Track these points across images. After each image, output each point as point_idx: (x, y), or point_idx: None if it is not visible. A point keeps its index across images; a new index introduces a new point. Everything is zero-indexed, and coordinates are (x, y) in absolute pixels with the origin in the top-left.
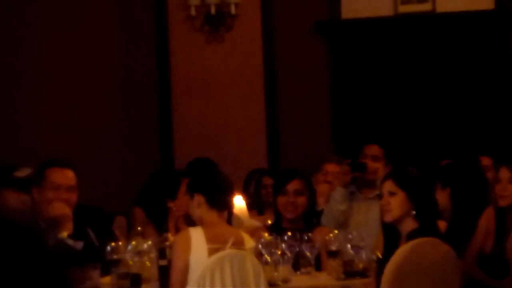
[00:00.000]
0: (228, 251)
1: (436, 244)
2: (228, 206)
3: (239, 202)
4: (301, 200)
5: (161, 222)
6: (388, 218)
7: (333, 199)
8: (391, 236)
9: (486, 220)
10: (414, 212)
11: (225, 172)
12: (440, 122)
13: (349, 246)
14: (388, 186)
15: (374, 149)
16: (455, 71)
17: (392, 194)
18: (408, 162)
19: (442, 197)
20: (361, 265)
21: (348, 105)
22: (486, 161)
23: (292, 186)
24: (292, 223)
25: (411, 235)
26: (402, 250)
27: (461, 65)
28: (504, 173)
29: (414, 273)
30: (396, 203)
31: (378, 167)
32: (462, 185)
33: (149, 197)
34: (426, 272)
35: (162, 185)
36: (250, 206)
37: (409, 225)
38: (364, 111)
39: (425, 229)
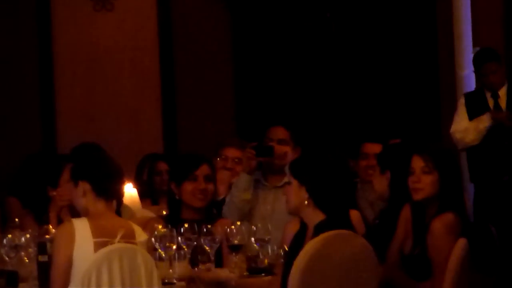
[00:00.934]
0: (117, 245)
1: (351, 237)
2: (117, 194)
3: (130, 191)
4: (211, 187)
5: (40, 212)
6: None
7: (235, 187)
8: (300, 228)
9: (404, 219)
10: (306, 202)
11: (116, 157)
12: (354, 101)
13: (253, 239)
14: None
15: (279, 132)
16: (374, 43)
17: (288, 183)
18: (319, 145)
19: (380, 183)
20: (266, 261)
21: (253, 82)
22: None
23: (202, 171)
24: (194, 214)
25: (318, 228)
26: (312, 244)
27: (381, 35)
28: (416, 162)
29: (326, 269)
30: (290, 193)
31: (286, 151)
32: (403, 170)
33: (24, 185)
34: (339, 268)
35: (40, 171)
36: (142, 195)
37: (314, 216)
38: (270, 88)
39: (334, 220)
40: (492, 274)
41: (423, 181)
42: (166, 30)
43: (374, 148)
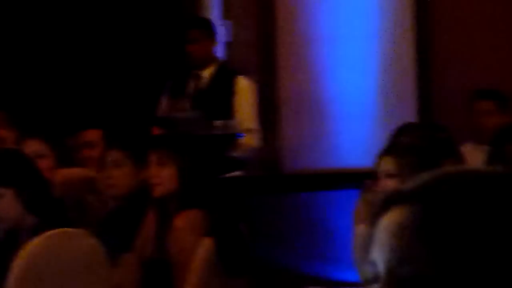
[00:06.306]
0: None
1: (78, 235)
2: None
3: None
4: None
5: None
6: None
7: None
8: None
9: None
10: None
11: None
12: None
13: None
14: None
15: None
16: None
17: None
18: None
19: None
20: None
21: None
22: None
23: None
24: None
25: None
26: (30, 248)
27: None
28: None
29: (51, 274)
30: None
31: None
32: None
33: None
34: (66, 271)
35: None
36: None
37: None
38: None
39: (47, 223)
40: (243, 276)
41: (156, 175)
42: None
43: None
